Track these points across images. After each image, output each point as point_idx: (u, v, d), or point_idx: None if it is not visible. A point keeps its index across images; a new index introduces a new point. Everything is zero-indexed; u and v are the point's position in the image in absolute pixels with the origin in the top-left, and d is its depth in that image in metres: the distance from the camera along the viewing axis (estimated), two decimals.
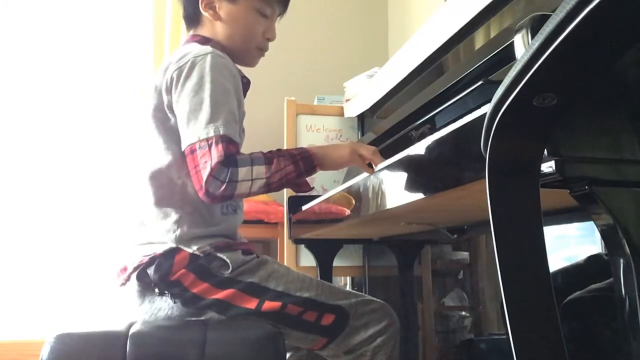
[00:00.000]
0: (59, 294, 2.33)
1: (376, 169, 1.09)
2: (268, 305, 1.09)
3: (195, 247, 1.11)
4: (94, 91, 2.49)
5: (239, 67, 1.26)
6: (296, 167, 1.11)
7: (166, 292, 1.10)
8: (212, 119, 1.06)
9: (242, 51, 1.25)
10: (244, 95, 1.27)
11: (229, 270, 1.10)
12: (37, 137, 2.42)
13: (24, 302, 2.31)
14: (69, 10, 2.49)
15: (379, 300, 1.20)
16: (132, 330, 1.00)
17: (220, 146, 1.04)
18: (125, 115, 2.44)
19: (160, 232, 1.13)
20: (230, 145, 1.05)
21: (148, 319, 1.11)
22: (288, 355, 1.24)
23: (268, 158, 1.09)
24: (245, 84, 1.26)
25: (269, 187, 1.09)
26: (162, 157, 1.14)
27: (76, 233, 2.39)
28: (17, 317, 2.29)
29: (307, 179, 1.19)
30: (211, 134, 1.05)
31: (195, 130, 1.06)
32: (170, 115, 1.13)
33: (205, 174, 1.03)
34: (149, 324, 1.06)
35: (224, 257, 1.10)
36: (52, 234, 2.38)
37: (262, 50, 1.28)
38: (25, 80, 2.43)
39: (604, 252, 1.34)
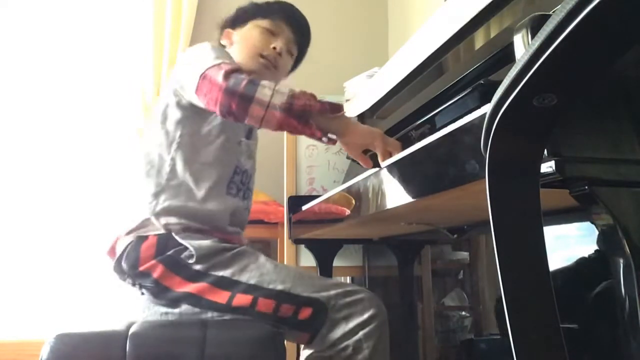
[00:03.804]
0: (59, 294, 2.33)
1: (383, 165, 1.05)
2: (239, 299, 1.08)
3: (164, 221, 1.13)
4: (93, 91, 2.48)
5: None
6: (321, 104, 1.07)
7: (136, 282, 1.11)
8: (217, 57, 1.11)
9: (248, 61, 1.30)
10: None
11: (194, 259, 1.09)
12: (36, 137, 2.42)
13: (24, 302, 2.31)
14: (69, 11, 2.49)
15: (363, 289, 1.16)
16: (131, 330, 1.00)
17: (231, 65, 1.07)
18: (124, 115, 2.44)
19: (141, 202, 1.16)
20: (241, 69, 1.08)
21: (135, 310, 1.13)
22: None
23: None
24: None
25: (291, 107, 1.03)
26: (155, 136, 1.20)
27: (76, 233, 2.39)
28: (17, 317, 2.29)
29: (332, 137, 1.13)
30: (219, 61, 1.08)
31: (203, 64, 1.09)
32: (172, 97, 1.20)
33: (220, 76, 1.03)
34: (149, 324, 1.06)
35: (189, 246, 1.10)
36: (51, 234, 2.38)
37: (266, 59, 1.32)
38: (24, 79, 2.43)
39: (604, 252, 1.34)
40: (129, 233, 1.15)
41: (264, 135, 2.04)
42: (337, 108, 1.10)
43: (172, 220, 1.13)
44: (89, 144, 2.46)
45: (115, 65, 2.48)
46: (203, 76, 1.07)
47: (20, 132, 2.41)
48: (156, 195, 1.16)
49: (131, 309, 1.15)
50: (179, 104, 1.20)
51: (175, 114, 1.20)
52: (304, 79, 2.64)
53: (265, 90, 1.02)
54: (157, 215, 1.13)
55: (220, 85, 1.02)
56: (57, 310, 2.28)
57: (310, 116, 1.05)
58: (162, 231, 1.12)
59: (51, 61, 2.46)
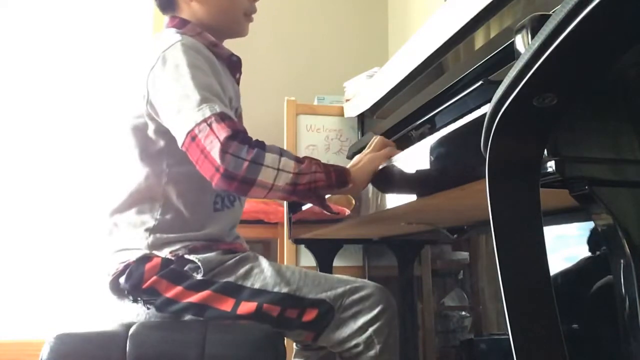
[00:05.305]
0: (59, 294, 2.33)
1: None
2: (244, 307, 1.05)
3: (167, 251, 1.07)
4: (92, 91, 2.49)
5: (230, 41, 1.23)
6: (327, 176, 1.00)
7: (139, 299, 1.07)
8: (203, 100, 0.96)
9: (229, 23, 1.20)
10: (240, 73, 1.25)
11: (201, 273, 1.05)
12: (38, 138, 2.42)
13: (24, 302, 2.31)
14: (69, 10, 2.49)
15: (372, 283, 1.13)
16: (131, 331, 1.00)
17: (223, 123, 0.93)
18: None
19: (135, 238, 1.10)
20: (233, 123, 0.95)
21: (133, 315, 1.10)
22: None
23: (298, 156, 0.99)
24: (236, 62, 1.23)
25: (295, 187, 0.96)
26: (137, 169, 1.10)
27: (76, 233, 2.39)
28: (17, 317, 2.29)
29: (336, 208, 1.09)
30: (208, 113, 0.94)
31: (189, 116, 0.96)
32: (149, 121, 1.08)
33: (216, 152, 0.91)
34: (149, 325, 1.06)
35: (195, 259, 1.06)
36: (52, 235, 2.38)
37: (250, 15, 1.22)
38: (24, 79, 2.43)
39: (604, 252, 1.34)
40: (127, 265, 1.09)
41: (263, 135, 2.03)
42: (344, 179, 1.02)
43: (177, 246, 1.08)
44: (91, 145, 2.46)
45: (114, 65, 2.48)
46: (191, 136, 0.95)
47: (22, 134, 2.41)
48: (153, 229, 1.09)
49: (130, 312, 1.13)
50: (160, 132, 1.07)
51: (157, 142, 1.08)
52: (304, 79, 2.66)
53: (269, 171, 0.93)
54: (158, 248, 1.08)
55: (217, 166, 0.91)
56: (57, 310, 2.28)
57: (315, 193, 1.00)
58: (168, 256, 1.08)
59: (50, 61, 2.46)
